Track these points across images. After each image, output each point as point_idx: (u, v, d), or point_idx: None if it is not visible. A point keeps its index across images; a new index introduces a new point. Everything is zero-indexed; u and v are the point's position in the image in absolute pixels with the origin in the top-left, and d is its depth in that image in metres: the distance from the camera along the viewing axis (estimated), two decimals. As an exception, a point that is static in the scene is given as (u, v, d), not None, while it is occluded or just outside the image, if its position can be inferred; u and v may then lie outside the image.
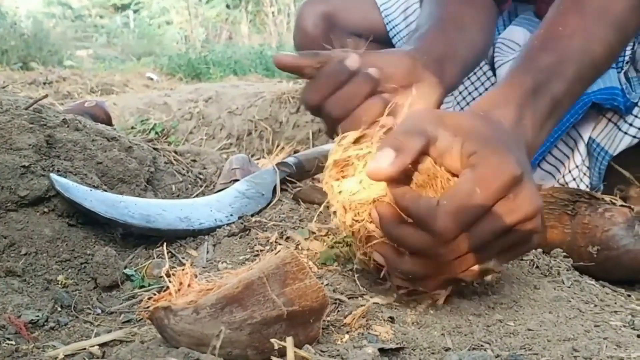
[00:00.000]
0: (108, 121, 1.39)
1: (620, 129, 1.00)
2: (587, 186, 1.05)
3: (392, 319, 0.62)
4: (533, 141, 0.66)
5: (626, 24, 0.78)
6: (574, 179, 1.05)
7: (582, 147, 1.05)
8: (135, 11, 8.66)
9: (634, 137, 0.98)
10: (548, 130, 0.70)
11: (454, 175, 0.59)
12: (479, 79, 1.23)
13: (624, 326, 0.65)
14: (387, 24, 1.33)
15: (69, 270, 0.76)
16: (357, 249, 0.66)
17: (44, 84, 2.90)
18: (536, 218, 0.59)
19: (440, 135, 0.58)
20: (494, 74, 1.18)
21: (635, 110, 0.98)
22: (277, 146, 1.92)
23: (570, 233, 0.82)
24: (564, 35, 0.74)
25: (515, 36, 1.17)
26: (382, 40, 1.33)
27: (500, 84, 0.72)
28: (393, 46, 1.32)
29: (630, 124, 0.98)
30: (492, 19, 1.07)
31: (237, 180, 1.10)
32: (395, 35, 1.33)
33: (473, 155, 0.57)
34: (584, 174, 1.06)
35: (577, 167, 1.06)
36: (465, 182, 0.56)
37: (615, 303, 0.72)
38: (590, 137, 1.05)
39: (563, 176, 1.06)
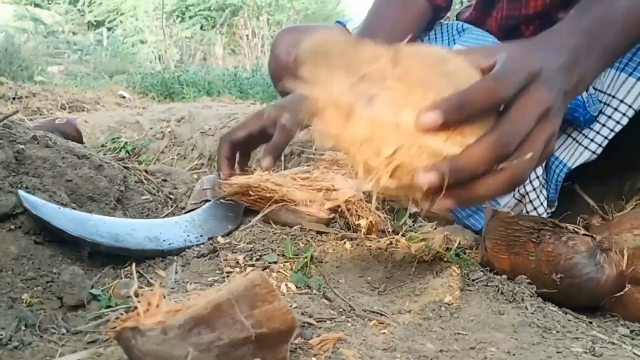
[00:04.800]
0: (79, 139, 1.38)
1: (580, 144, 1.03)
2: (545, 198, 1.07)
3: (359, 343, 0.63)
4: (587, 71, 0.70)
5: None
6: (534, 189, 1.07)
7: None
8: (109, 29, 8.63)
9: (594, 152, 1.01)
10: (599, 69, 0.75)
11: None
12: None
13: (585, 352, 0.66)
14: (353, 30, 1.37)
15: (35, 288, 0.74)
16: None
17: (13, 99, 2.85)
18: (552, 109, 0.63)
19: None
20: None
21: (597, 127, 1.01)
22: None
23: (534, 260, 0.83)
24: None
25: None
26: None
27: (557, 25, 0.76)
28: None
29: (592, 140, 1.01)
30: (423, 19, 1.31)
31: (208, 200, 1.10)
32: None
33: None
34: (543, 187, 1.08)
35: (537, 177, 1.08)
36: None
37: (577, 330, 0.73)
38: None
39: (524, 186, 1.07)
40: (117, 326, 0.51)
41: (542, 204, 1.08)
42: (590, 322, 0.79)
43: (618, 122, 0.98)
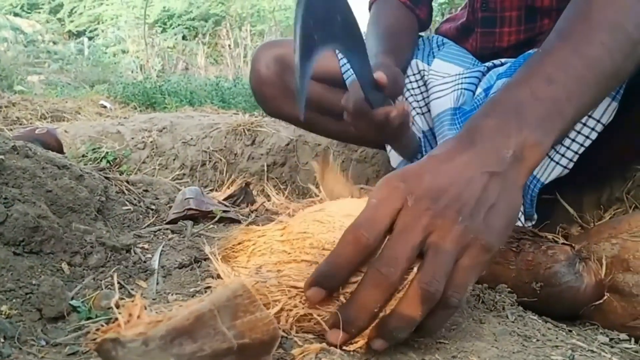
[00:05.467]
0: (59, 149, 1.37)
1: (552, 159, 1.04)
2: (522, 213, 1.08)
3: (341, 353, 0.63)
4: (524, 140, 0.62)
5: (624, 28, 0.71)
6: None
7: None
8: (90, 38, 8.58)
9: (565, 167, 1.02)
10: (553, 131, 0.65)
11: None
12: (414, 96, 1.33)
13: (565, 360, 0.67)
14: (342, 65, 1.38)
15: (14, 300, 0.73)
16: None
17: (-8, 108, 2.82)
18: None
19: None
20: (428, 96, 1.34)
21: (567, 142, 1.02)
22: (230, 177, 1.93)
23: (514, 269, 0.84)
24: (555, 46, 0.71)
25: (445, 69, 1.31)
26: (334, 82, 1.40)
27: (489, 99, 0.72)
28: (346, 87, 1.40)
29: (562, 155, 1.02)
30: (416, 35, 1.41)
31: (191, 209, 1.10)
32: (350, 77, 1.39)
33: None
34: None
35: None
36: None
37: (557, 338, 0.74)
38: None
39: None
40: (97, 338, 0.51)
41: (519, 218, 1.09)
42: (570, 331, 0.80)
43: (587, 137, 0.99)
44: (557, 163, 1.02)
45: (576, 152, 1.01)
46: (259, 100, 1.52)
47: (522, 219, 1.08)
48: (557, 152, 1.03)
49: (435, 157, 0.63)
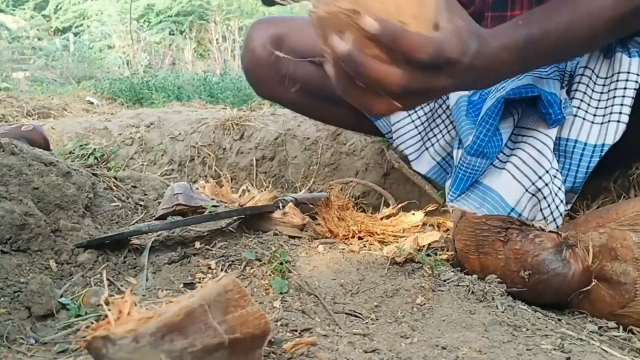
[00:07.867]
0: (46, 146, 1.36)
1: (593, 122, 1.04)
2: (558, 189, 1.05)
3: (334, 346, 0.63)
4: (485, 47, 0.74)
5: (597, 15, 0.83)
6: (546, 185, 1.04)
7: (547, 151, 1.05)
8: (75, 34, 8.50)
9: (619, 121, 1.01)
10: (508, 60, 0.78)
11: None
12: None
13: (554, 349, 0.67)
14: None
15: (2, 299, 0.73)
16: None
17: (-23, 106, 2.79)
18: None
19: None
20: None
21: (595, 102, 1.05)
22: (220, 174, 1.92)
23: (503, 259, 0.85)
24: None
25: None
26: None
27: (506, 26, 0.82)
28: None
29: (620, 112, 1.01)
30: None
31: (180, 204, 1.09)
32: None
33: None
34: (555, 177, 1.05)
35: (547, 172, 1.04)
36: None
37: (547, 327, 0.75)
38: (561, 138, 1.07)
39: (534, 183, 1.04)
40: (87, 335, 0.51)
41: (556, 194, 1.06)
42: (559, 320, 0.80)
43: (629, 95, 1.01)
44: (616, 121, 1.02)
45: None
46: (252, 82, 1.43)
47: (561, 195, 1.05)
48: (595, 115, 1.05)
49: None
